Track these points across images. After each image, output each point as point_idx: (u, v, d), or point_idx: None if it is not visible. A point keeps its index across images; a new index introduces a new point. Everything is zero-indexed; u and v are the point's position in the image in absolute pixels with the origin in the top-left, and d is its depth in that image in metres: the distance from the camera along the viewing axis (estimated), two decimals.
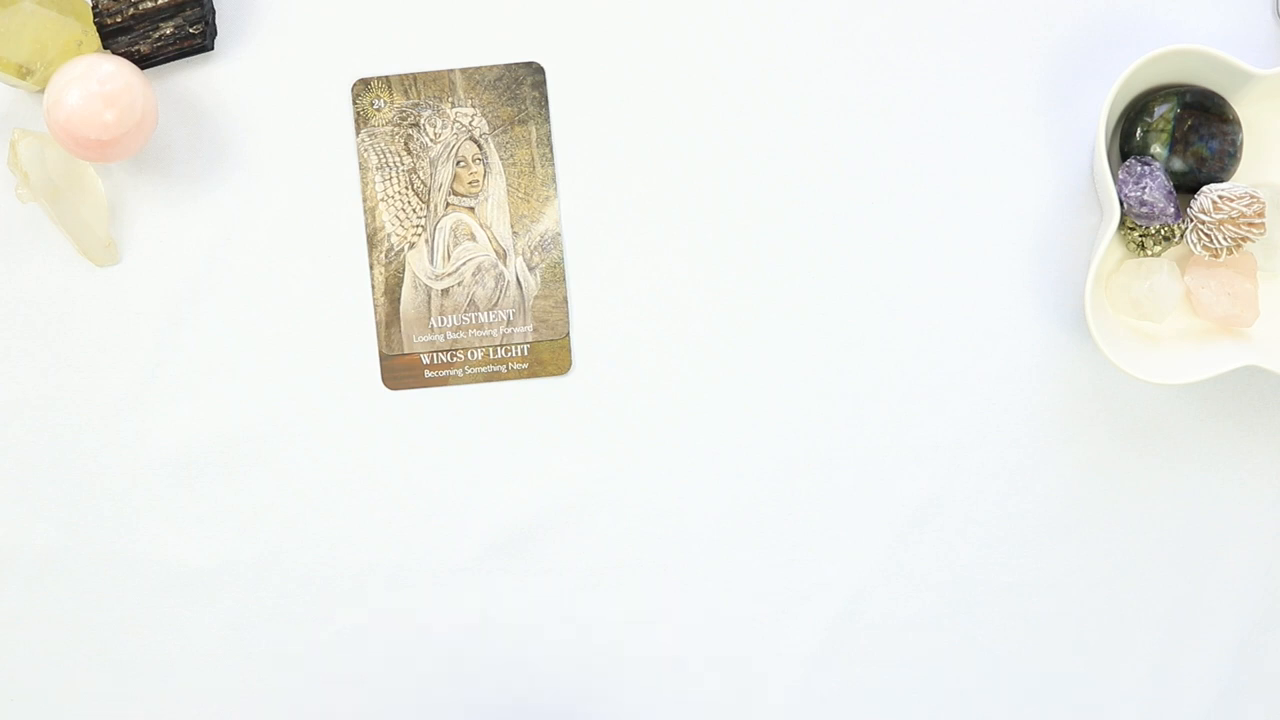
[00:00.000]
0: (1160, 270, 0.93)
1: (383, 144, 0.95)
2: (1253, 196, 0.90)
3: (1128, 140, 0.93)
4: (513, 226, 0.96)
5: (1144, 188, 0.91)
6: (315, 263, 0.96)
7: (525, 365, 0.96)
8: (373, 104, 0.95)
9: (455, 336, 0.96)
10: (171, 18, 0.93)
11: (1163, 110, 0.92)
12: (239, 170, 0.96)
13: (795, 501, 0.96)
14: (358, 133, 0.95)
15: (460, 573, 0.97)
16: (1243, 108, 0.93)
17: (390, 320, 0.96)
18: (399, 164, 0.96)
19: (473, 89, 0.95)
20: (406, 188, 0.96)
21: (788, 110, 0.95)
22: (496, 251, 0.96)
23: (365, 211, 0.96)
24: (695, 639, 0.97)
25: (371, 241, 0.96)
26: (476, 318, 0.96)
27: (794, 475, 0.96)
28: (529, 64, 0.95)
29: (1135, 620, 0.97)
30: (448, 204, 0.96)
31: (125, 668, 0.97)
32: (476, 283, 0.96)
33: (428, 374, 0.96)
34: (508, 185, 0.96)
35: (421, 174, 0.96)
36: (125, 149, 0.92)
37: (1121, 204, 0.92)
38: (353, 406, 0.96)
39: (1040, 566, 0.97)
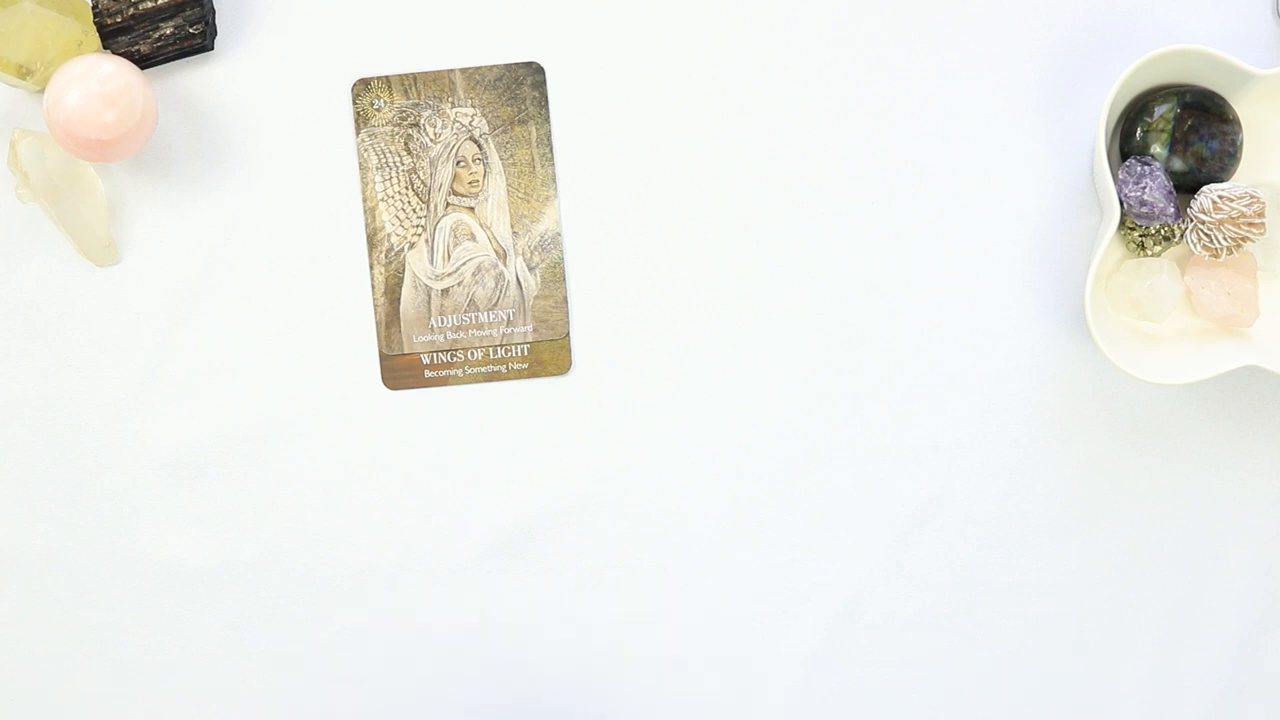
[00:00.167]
0: (1160, 270, 0.93)
1: (383, 144, 0.95)
2: (1253, 196, 0.90)
3: (1128, 140, 0.93)
4: (513, 226, 0.96)
5: (1144, 188, 0.91)
6: (315, 263, 0.96)
7: (525, 365, 0.96)
8: (373, 104, 0.95)
9: (455, 336, 0.96)
10: (171, 18, 0.93)
11: (1163, 110, 0.92)
12: (239, 170, 0.96)
13: (795, 501, 0.96)
14: (358, 133, 0.95)
15: (460, 573, 0.97)
16: (1243, 108, 0.93)
17: (390, 320, 0.96)
18: (399, 164, 0.95)
19: (473, 89, 0.95)
20: (406, 188, 0.96)
21: (788, 110, 0.95)
22: (496, 251, 0.96)
23: (365, 211, 0.96)
24: (695, 639, 0.97)
25: (371, 241, 0.96)
26: (476, 318, 0.96)
27: (794, 475, 0.96)
28: (529, 64, 0.95)
29: (1135, 620, 0.97)
30: (448, 204, 0.96)
31: (125, 668, 0.97)
32: (476, 283, 0.96)
33: (428, 374, 0.96)
34: (508, 185, 0.96)
35: (421, 174, 0.96)
36: (125, 149, 0.92)
37: (1121, 204, 0.92)
38: (353, 406, 0.96)
39: (1040, 566, 0.96)
